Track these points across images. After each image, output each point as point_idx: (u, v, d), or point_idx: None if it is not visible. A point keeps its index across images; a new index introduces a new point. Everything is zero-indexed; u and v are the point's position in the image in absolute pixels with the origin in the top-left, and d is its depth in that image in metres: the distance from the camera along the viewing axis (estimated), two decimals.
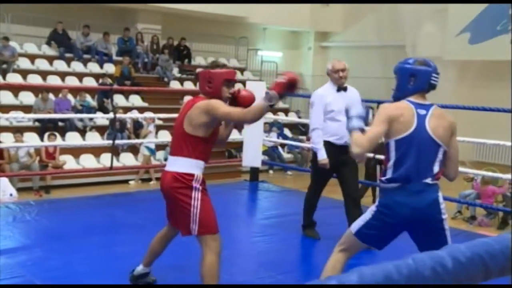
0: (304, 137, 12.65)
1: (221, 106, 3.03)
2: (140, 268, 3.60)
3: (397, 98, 2.91)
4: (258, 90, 7.16)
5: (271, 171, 11.85)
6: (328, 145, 4.50)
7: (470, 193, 8.19)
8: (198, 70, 3.40)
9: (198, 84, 3.29)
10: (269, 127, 12.24)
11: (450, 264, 0.57)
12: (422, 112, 2.77)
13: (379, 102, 10.76)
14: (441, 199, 2.75)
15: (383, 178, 2.83)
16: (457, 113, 12.02)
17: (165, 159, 10.63)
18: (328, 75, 4.56)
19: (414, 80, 2.84)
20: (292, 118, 13.91)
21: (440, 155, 2.76)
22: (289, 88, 2.96)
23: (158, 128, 11.16)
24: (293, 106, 15.55)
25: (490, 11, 12.28)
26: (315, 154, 4.61)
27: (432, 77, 2.84)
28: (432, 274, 0.54)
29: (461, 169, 4.38)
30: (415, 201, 2.69)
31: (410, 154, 2.72)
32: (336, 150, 4.48)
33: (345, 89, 4.53)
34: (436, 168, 2.75)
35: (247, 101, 3.18)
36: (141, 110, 11.38)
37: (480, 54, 12.50)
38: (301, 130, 13.92)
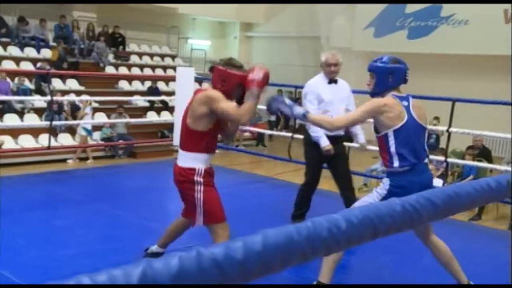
0: None
1: (221, 100, 2.85)
2: (154, 248, 3.47)
3: (376, 93, 2.98)
4: (187, 75, 7.13)
5: None
6: None
7: (376, 167, 8.52)
8: (215, 65, 3.04)
9: (211, 77, 3.04)
10: None
11: (344, 225, 0.59)
12: (405, 103, 2.90)
13: (296, 87, 10.95)
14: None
15: (394, 165, 2.86)
16: (366, 97, 12.43)
17: (102, 139, 10.34)
18: (321, 66, 4.32)
19: (392, 77, 2.93)
20: None
21: (426, 137, 2.96)
22: (266, 82, 2.90)
23: (95, 110, 10.80)
24: None
25: (390, 9, 12.73)
26: (307, 145, 4.34)
27: (406, 73, 2.98)
28: (328, 234, 0.57)
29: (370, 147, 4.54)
30: (422, 178, 2.84)
31: (409, 140, 2.84)
32: (328, 141, 4.18)
33: (335, 81, 4.31)
34: (426, 149, 2.94)
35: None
36: (78, 93, 11.00)
37: (382, 47, 12.94)
38: None
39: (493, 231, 5.35)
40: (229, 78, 2.93)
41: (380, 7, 12.89)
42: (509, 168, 6.19)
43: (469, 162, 7.36)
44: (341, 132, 4.22)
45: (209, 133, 2.96)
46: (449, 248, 2.97)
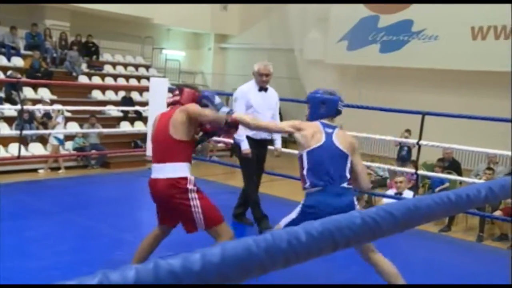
0: None
1: (196, 107, 3.08)
2: None
3: (310, 121, 3.11)
4: (161, 86, 7.10)
5: None
6: (248, 139, 4.50)
7: None
8: (183, 87, 3.35)
9: (179, 97, 3.23)
10: None
11: (303, 237, 0.60)
12: (329, 130, 3.00)
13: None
14: (356, 201, 2.98)
15: (306, 185, 2.94)
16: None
17: (74, 149, 10.19)
18: (253, 75, 4.55)
19: (324, 107, 3.06)
20: None
21: (349, 164, 2.96)
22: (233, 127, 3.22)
23: (67, 119, 10.66)
24: None
25: (363, 23, 12.95)
26: (239, 148, 4.56)
27: (339, 105, 3.11)
28: (288, 246, 0.58)
29: None
30: (336, 201, 2.85)
31: (323, 163, 2.89)
32: (255, 144, 4.51)
33: (266, 89, 4.56)
34: (348, 175, 2.95)
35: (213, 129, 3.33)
36: (50, 102, 10.83)
37: (355, 60, 13.15)
38: None
39: (461, 242, 5.45)
40: (190, 95, 3.19)
41: (353, 21, 13.10)
42: (476, 180, 6.32)
43: (439, 174, 7.50)
44: (268, 137, 4.61)
45: (192, 142, 3.09)
46: (418, 257, 3.00)
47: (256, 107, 4.45)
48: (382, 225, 0.76)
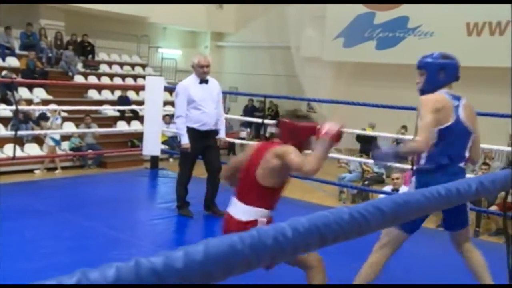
0: None
1: (294, 154, 2.64)
2: None
3: (426, 91, 2.82)
4: (157, 85, 7.09)
5: (171, 160, 11.71)
6: (192, 131, 4.61)
7: (345, 175, 8.63)
8: (281, 119, 2.84)
9: (280, 132, 2.80)
10: (169, 119, 12.09)
11: (290, 233, 0.60)
12: (456, 103, 2.76)
13: (266, 96, 11.02)
14: None
15: (422, 162, 2.76)
16: (336, 107, 12.60)
17: (71, 149, 10.17)
18: (193, 68, 4.66)
19: (444, 73, 2.81)
20: None
21: (470, 142, 2.79)
22: (339, 138, 2.65)
23: (63, 120, 10.64)
24: None
25: (359, 20, 12.95)
26: (179, 140, 4.74)
27: (459, 69, 2.84)
28: (274, 243, 0.58)
29: (335, 155, 4.65)
30: (452, 180, 2.69)
31: (448, 142, 2.70)
32: (200, 135, 4.62)
33: (206, 81, 4.67)
34: (467, 154, 2.78)
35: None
36: (45, 102, 10.81)
37: (352, 57, 13.15)
38: None
39: None
40: (299, 131, 2.73)
41: (349, 18, 13.10)
42: (472, 176, 6.33)
43: None
44: (213, 127, 4.69)
45: (277, 190, 2.76)
46: (416, 253, 2.99)
47: (198, 101, 4.56)
48: (371, 221, 0.76)
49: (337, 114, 12.46)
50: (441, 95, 2.75)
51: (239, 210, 2.75)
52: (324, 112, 13.45)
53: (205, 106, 4.58)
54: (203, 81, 4.63)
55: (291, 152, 2.62)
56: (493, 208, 6.95)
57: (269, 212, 2.75)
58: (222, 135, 4.85)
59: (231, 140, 10.60)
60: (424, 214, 0.95)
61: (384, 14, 12.54)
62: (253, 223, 2.68)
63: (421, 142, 2.59)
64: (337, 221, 0.68)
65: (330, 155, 6.57)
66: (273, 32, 15.21)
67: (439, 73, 2.80)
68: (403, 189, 6.61)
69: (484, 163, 8.22)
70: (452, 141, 2.71)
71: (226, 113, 8.09)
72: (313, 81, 13.58)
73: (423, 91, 2.85)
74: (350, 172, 8.76)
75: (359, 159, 7.64)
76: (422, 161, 2.76)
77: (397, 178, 6.81)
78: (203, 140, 4.65)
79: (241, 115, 13.95)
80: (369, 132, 6.70)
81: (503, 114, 5.49)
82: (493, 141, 5.89)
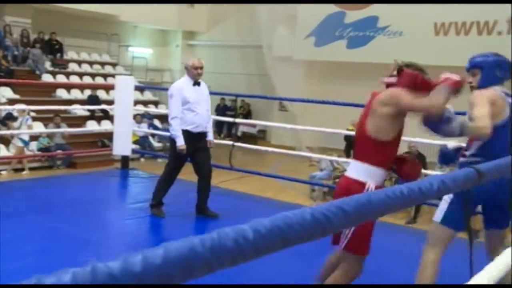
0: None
1: (404, 96, 2.50)
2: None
3: (483, 88, 2.79)
4: (127, 84, 7.01)
5: (142, 159, 11.62)
6: (186, 133, 4.63)
7: (315, 174, 8.71)
8: (404, 68, 2.68)
9: (398, 82, 2.64)
10: (140, 118, 11.98)
11: (251, 235, 0.61)
12: (509, 100, 2.76)
13: (238, 95, 10.97)
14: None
15: (468, 153, 2.74)
16: (307, 105, 12.68)
17: (39, 149, 9.97)
18: (187, 69, 4.71)
19: (499, 70, 2.79)
20: (162, 110, 13.74)
21: None
22: (459, 88, 2.59)
23: (32, 119, 10.42)
24: (164, 99, 15.35)
25: (330, 19, 13.06)
26: (173, 141, 4.70)
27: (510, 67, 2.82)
28: (234, 245, 0.58)
29: (307, 154, 4.69)
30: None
31: (498, 137, 2.65)
32: (193, 137, 4.66)
33: (199, 83, 4.71)
34: None
35: (409, 177, 2.67)
36: (12, 102, 10.56)
37: (323, 56, 13.25)
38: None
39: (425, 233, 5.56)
40: (423, 85, 2.58)
41: (320, 17, 13.19)
42: (440, 173, 6.46)
43: None
44: (205, 129, 4.75)
45: (392, 143, 2.57)
46: (388, 249, 3.01)
47: (193, 102, 4.61)
48: (334, 221, 0.78)
49: (309, 113, 12.55)
50: (495, 91, 2.75)
51: (352, 167, 2.61)
52: (296, 111, 13.54)
53: (198, 107, 4.64)
54: (196, 83, 4.70)
55: (403, 95, 2.47)
56: None
57: (382, 172, 2.57)
58: (211, 137, 4.91)
59: None
60: (387, 213, 0.97)
61: (354, 14, 12.68)
62: (362, 185, 2.53)
63: (486, 127, 2.55)
64: (299, 222, 0.69)
65: (302, 153, 6.71)
66: (245, 31, 15.22)
67: (495, 70, 2.80)
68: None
69: None
70: (505, 136, 2.69)
71: None
72: (284, 80, 13.63)
73: (478, 89, 2.83)
74: (321, 170, 8.84)
75: (329, 157, 7.72)
76: (474, 151, 2.75)
77: None
78: (195, 142, 4.68)
79: (213, 114, 13.91)
80: (342, 131, 6.79)
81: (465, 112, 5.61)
82: (460, 139, 6.02)
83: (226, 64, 15.48)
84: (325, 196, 8.50)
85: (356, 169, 2.57)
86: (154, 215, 4.83)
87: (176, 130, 4.60)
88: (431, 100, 2.50)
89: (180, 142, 4.59)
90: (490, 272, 1.42)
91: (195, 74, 4.66)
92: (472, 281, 1.36)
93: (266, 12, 14.03)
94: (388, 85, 2.67)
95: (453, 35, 11.16)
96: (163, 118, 13.98)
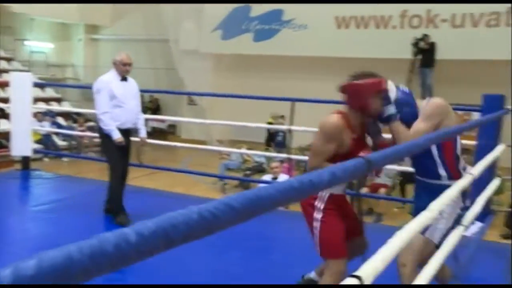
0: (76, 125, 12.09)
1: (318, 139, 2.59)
2: (312, 275, 3.03)
3: None
4: (24, 80, 6.62)
5: (46, 159, 11.07)
6: None
7: (227, 163, 8.79)
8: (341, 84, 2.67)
9: (344, 97, 2.66)
10: (42, 116, 11.39)
11: (134, 238, 0.61)
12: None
13: (147, 91, 10.71)
14: None
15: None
16: (216, 99, 12.68)
17: None
18: (115, 64, 4.59)
19: None
20: (66, 107, 13.15)
21: None
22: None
23: None
24: (67, 96, 14.67)
25: (236, 13, 13.16)
26: (104, 140, 4.56)
27: None
28: (115, 250, 0.58)
29: (217, 148, 4.71)
30: None
31: None
32: (121, 134, 4.53)
33: (126, 79, 4.64)
34: None
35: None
36: None
37: (230, 49, 13.33)
38: (74, 118, 13.29)
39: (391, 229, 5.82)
40: (363, 90, 2.57)
41: (226, 10, 13.25)
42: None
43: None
44: (132, 126, 4.68)
45: (345, 155, 2.50)
46: (284, 238, 3.10)
47: (120, 97, 4.51)
48: (221, 218, 0.80)
49: (219, 106, 12.58)
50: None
51: None
52: (205, 105, 13.52)
53: (127, 103, 4.54)
54: (124, 78, 4.60)
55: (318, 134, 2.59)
56: (364, 190, 7.50)
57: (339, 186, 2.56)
58: (143, 134, 4.88)
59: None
60: (278, 207, 1.01)
61: (259, 7, 12.86)
62: (314, 197, 2.60)
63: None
64: (185, 221, 0.70)
65: (212, 147, 6.62)
66: (151, 25, 14.92)
67: None
68: (283, 177, 6.89)
69: None
70: None
71: None
72: (192, 74, 13.56)
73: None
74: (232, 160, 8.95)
75: (239, 150, 7.82)
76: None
77: (276, 167, 7.07)
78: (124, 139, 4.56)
79: None
80: (246, 123, 6.88)
81: None
82: None
83: (132, 59, 15.08)
84: (236, 188, 8.60)
85: None
86: (119, 223, 4.50)
87: (108, 125, 4.46)
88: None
89: (117, 135, 4.46)
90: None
91: (123, 70, 4.57)
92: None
93: (172, 6, 13.84)
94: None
95: (354, 28, 11.69)
96: (67, 116, 13.39)
